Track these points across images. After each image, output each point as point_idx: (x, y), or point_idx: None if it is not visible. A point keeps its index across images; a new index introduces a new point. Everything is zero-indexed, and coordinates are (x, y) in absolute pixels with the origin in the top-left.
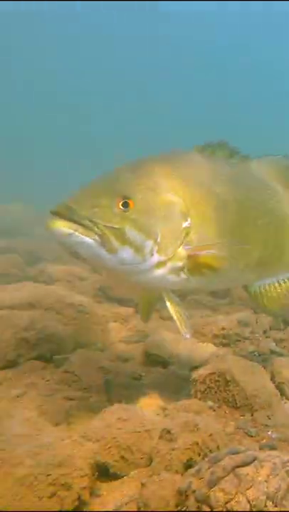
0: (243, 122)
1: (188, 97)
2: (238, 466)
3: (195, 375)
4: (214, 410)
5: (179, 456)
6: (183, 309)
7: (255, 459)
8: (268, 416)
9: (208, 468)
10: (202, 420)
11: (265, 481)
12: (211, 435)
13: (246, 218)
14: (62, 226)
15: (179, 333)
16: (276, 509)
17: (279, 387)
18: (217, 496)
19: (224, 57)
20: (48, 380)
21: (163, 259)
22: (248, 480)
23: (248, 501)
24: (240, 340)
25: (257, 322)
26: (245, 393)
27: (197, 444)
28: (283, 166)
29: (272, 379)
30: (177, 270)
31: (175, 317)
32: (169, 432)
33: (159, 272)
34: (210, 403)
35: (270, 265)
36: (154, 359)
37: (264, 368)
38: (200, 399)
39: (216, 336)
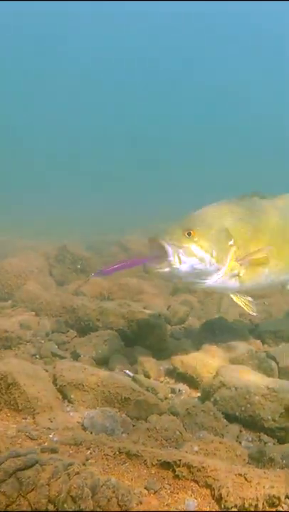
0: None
1: None
2: (19, 470)
3: None
4: None
5: None
6: (246, 299)
7: (36, 462)
8: (49, 419)
9: None
10: None
11: (47, 485)
12: None
13: (273, 239)
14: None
15: None
16: None
17: (61, 390)
18: None
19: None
20: None
21: (220, 267)
22: (29, 483)
23: (30, 504)
24: (22, 343)
25: (39, 325)
26: (26, 396)
27: None
28: None
29: (54, 382)
30: (233, 276)
31: (243, 306)
32: None
33: (221, 278)
34: None
35: None
36: None
37: (46, 371)
38: None
39: None
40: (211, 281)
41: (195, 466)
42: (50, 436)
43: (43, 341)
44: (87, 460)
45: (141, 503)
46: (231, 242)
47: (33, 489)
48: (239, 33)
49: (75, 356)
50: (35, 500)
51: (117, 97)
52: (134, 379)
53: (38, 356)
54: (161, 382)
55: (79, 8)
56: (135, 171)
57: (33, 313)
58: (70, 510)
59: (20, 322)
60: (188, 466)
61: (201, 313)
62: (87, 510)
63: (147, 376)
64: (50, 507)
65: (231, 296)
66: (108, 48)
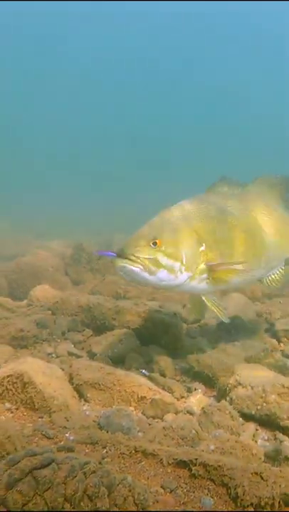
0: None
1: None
2: (35, 468)
3: None
4: (12, 412)
5: None
6: (219, 303)
7: (52, 461)
8: (65, 418)
9: (6, 470)
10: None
11: (63, 483)
12: (8, 437)
13: (250, 235)
14: (119, 263)
15: None
16: (74, 511)
17: (77, 389)
18: (14, 498)
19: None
20: None
21: (191, 274)
22: (45, 482)
23: (46, 503)
24: (38, 342)
25: (55, 324)
26: (43, 395)
27: None
28: (273, 184)
29: (71, 381)
30: (204, 280)
31: (215, 310)
32: None
33: (192, 283)
34: (8, 405)
35: (275, 262)
36: None
37: (62, 370)
38: None
39: (14, 338)
40: (181, 286)
41: (211, 465)
42: (67, 435)
43: (59, 340)
44: (103, 459)
45: (157, 501)
46: (203, 248)
47: (49, 488)
48: (239, 33)
49: (91, 355)
50: (51, 499)
51: (117, 97)
52: (150, 378)
53: (54, 355)
54: (177, 381)
55: (79, 8)
56: (135, 170)
57: (49, 312)
58: (87, 508)
59: (36, 321)
60: (205, 465)
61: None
62: (104, 508)
63: (163, 375)
64: (67, 506)
65: (203, 298)
66: (108, 48)
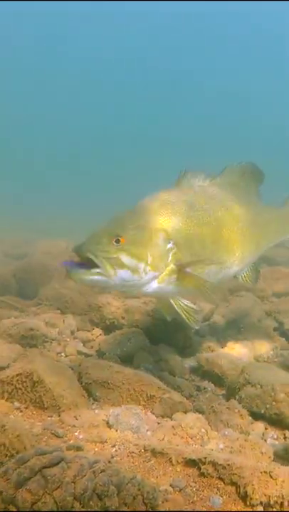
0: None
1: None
2: (45, 467)
3: (2, 376)
4: (21, 411)
5: None
6: (189, 307)
7: (62, 459)
8: (75, 417)
9: (15, 469)
10: (9, 421)
11: (72, 482)
12: (18, 436)
13: (220, 231)
14: (74, 276)
15: None
16: (83, 510)
17: (86, 387)
18: (24, 497)
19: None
20: None
21: (157, 274)
22: (54, 481)
23: (55, 502)
24: (47, 341)
25: (64, 323)
26: (52, 394)
27: (4, 445)
28: (242, 172)
29: (80, 380)
30: (173, 281)
31: (182, 314)
32: None
33: (159, 284)
34: (17, 404)
35: (250, 257)
36: None
37: (71, 369)
38: (7, 400)
39: (23, 337)
40: (147, 289)
41: (220, 464)
42: (76, 433)
43: (68, 339)
44: (112, 458)
45: (166, 500)
46: (170, 245)
47: (58, 487)
48: (239, 33)
49: (100, 354)
50: (60, 498)
51: (117, 97)
52: (159, 377)
53: (63, 354)
54: (186, 379)
55: (79, 8)
56: (136, 169)
57: (59, 311)
58: (96, 507)
59: (46, 320)
60: (214, 464)
61: (225, 311)
62: (113, 507)
63: (172, 374)
64: (76, 504)
65: (171, 301)
66: (108, 48)
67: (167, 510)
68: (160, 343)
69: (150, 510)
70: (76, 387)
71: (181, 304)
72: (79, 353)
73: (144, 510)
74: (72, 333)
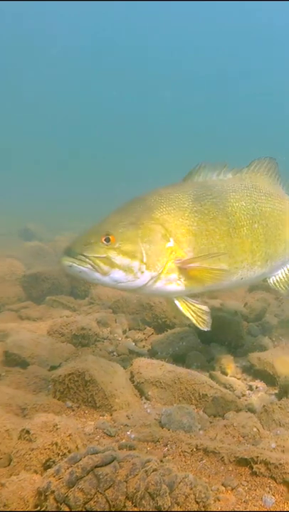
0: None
1: None
2: (97, 466)
3: (54, 375)
4: (73, 410)
5: (38, 456)
6: (197, 307)
7: (114, 459)
8: (127, 416)
9: (68, 468)
10: (61, 420)
11: (125, 481)
12: (70, 435)
13: (235, 227)
14: (65, 261)
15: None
16: (135, 509)
17: (138, 387)
18: (76, 496)
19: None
20: None
21: (155, 274)
22: (107, 480)
23: (107, 501)
24: (99, 341)
25: (116, 322)
26: (104, 393)
27: (56, 444)
28: (269, 168)
29: (132, 379)
30: (174, 280)
31: (191, 317)
32: (28, 432)
33: (157, 284)
34: (69, 403)
35: (278, 258)
36: (14, 359)
37: (123, 368)
38: (59, 399)
39: (75, 336)
40: (144, 288)
41: (272, 463)
42: (128, 433)
43: (120, 338)
44: (164, 457)
45: (218, 499)
46: (170, 244)
47: (110, 486)
48: (240, 30)
49: (152, 353)
50: (112, 497)
51: (115, 97)
52: (211, 376)
53: (115, 353)
54: (238, 379)
55: (77, 8)
56: (137, 166)
57: (110, 310)
58: (148, 506)
59: (98, 319)
60: (266, 463)
61: (278, 311)
62: (165, 506)
63: (224, 373)
64: (128, 504)
65: (176, 302)
66: (108, 48)
67: (219, 509)
68: (212, 343)
69: (202, 509)
70: (128, 387)
71: (189, 305)
72: (131, 352)
73: (196, 509)
74: (124, 332)
